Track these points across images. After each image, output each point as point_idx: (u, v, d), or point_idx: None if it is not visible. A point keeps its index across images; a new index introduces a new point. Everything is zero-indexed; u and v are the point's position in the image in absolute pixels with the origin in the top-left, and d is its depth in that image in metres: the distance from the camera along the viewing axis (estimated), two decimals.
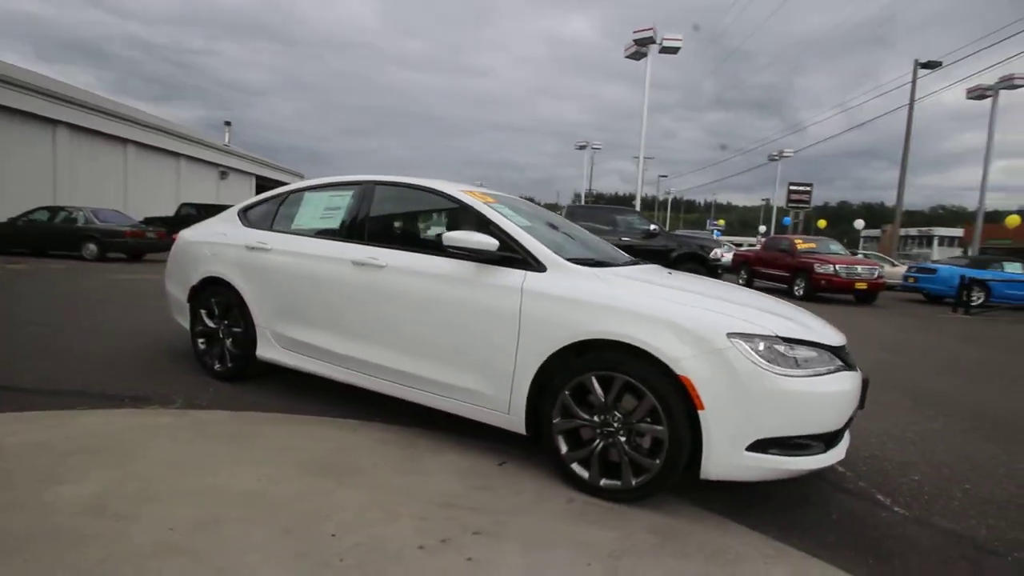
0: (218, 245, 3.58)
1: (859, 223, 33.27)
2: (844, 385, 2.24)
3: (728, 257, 14.00)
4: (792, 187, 46.14)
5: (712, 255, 10.93)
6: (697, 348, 2.15)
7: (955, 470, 2.95)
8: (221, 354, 3.58)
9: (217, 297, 3.56)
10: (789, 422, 2.13)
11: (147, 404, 3.07)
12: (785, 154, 29.45)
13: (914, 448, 3.26)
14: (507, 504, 2.24)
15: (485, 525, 2.05)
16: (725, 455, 2.13)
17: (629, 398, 2.29)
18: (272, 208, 3.61)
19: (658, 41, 15.45)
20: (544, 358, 2.40)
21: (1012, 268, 12.57)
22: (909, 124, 20.45)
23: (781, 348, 2.17)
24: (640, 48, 15.85)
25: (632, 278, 2.57)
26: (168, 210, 20.25)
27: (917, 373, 5.37)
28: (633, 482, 2.27)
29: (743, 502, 2.38)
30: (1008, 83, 16.62)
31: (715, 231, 38.08)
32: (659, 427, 2.20)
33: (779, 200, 46.68)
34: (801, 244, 13.44)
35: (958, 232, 51.50)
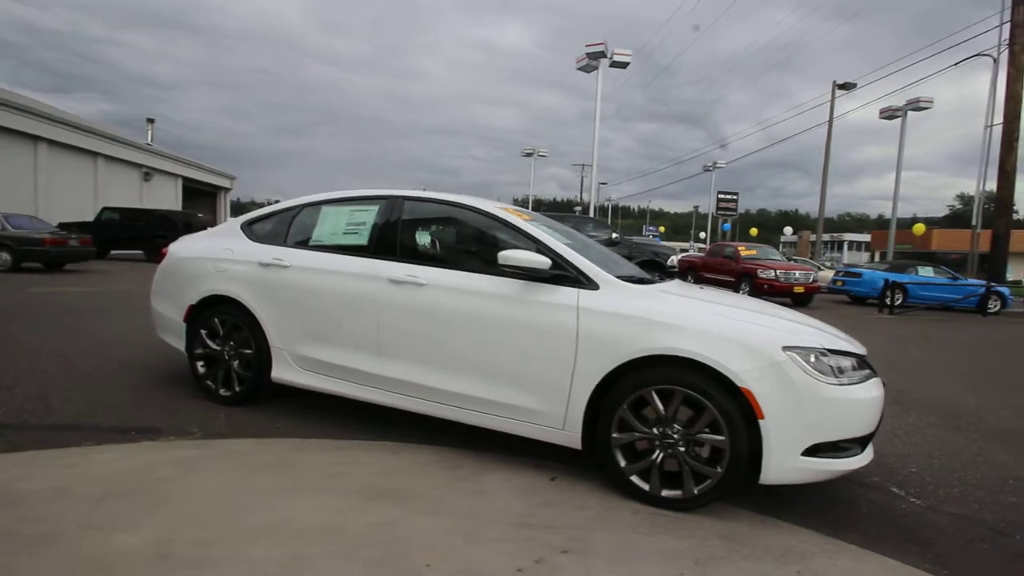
0: (223, 261, 3.37)
1: (788, 231, 35.86)
2: (875, 391, 2.45)
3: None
4: (720, 195, 49.10)
5: (669, 262, 11.43)
6: (757, 362, 2.29)
7: (942, 460, 3.29)
8: (227, 377, 3.37)
9: (222, 316, 3.36)
10: (836, 427, 2.32)
11: (160, 435, 2.84)
12: (718, 165, 31.29)
13: (901, 441, 3.59)
14: (577, 520, 2.28)
15: (567, 543, 2.08)
16: (783, 460, 2.27)
17: (685, 409, 2.40)
18: (283, 222, 3.45)
19: (609, 56, 16.04)
20: (604, 374, 2.47)
21: (925, 272, 14.06)
22: (829, 139, 22.37)
23: (827, 359, 2.35)
24: (591, 61, 16.37)
25: (679, 294, 2.69)
26: (87, 214, 18.52)
27: None
28: (695, 491, 2.37)
29: (786, 503, 2.55)
30: (915, 105, 18.65)
31: (655, 237, 39.74)
32: (720, 437, 2.32)
33: (707, 207, 49.51)
34: (744, 251, 14.33)
35: (865, 237, 56.58)
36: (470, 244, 3.14)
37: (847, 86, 22.80)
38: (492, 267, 2.86)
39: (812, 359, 2.32)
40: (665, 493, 2.41)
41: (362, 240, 3.13)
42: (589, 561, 1.97)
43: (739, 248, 14.51)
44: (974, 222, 19.31)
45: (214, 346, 3.40)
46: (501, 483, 2.57)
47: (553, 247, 2.72)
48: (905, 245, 37.37)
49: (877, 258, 45.50)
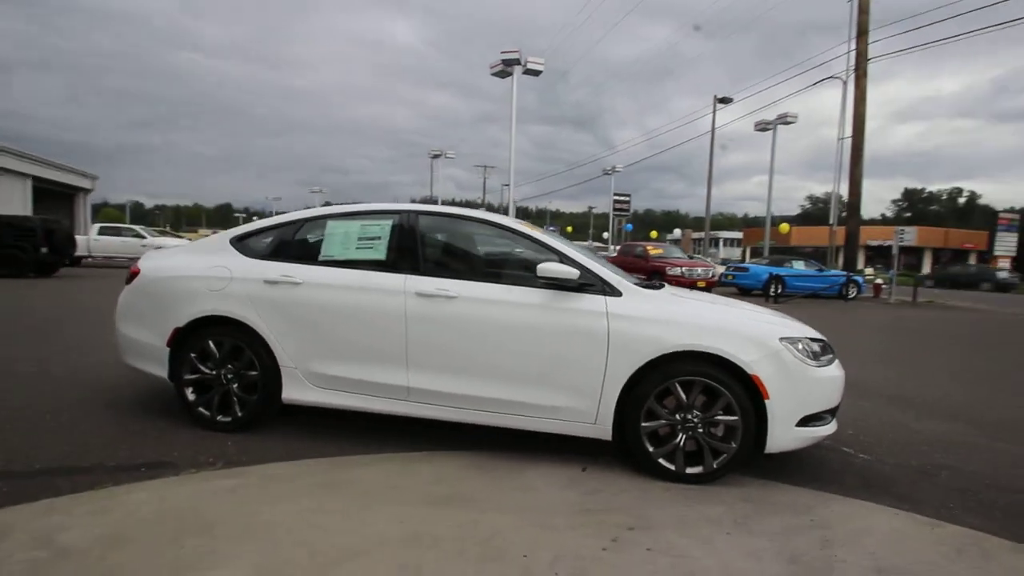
0: (218, 279, 3.21)
1: (677, 231, 39.12)
2: (839, 371, 3.02)
3: None
4: (615, 197, 52.49)
5: None
6: (761, 352, 2.74)
7: (870, 423, 4.03)
8: (225, 402, 3.21)
9: (218, 338, 3.19)
10: (818, 401, 2.83)
11: (178, 469, 2.68)
12: (617, 169, 33.49)
13: None
14: (625, 502, 2.57)
15: (630, 521, 2.36)
16: (783, 432, 2.74)
17: (700, 396, 2.79)
18: (283, 238, 3.35)
19: (523, 63, 16.62)
20: (634, 371, 2.78)
21: (798, 265, 16.31)
22: (712, 147, 24.99)
23: (808, 346, 2.86)
24: (506, 68, 16.85)
25: (685, 297, 3.08)
26: None
27: None
28: (714, 465, 2.77)
29: (779, 469, 3.03)
30: (783, 120, 21.52)
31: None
32: (734, 417, 2.74)
33: (600, 208, 52.57)
34: (652, 250, 15.63)
35: (738, 235, 63.36)
36: (492, 257, 3.30)
37: (725, 100, 25.65)
38: (517, 278, 3.07)
39: (799, 346, 2.82)
40: (689, 470, 2.79)
41: (379, 255, 3.16)
42: (657, 533, 2.27)
43: (648, 248, 15.79)
44: (831, 221, 22.73)
45: (207, 370, 3.21)
46: (543, 478, 2.78)
47: (577, 258, 2.98)
48: (770, 241, 42.55)
49: (748, 253, 51.38)
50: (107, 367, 4.52)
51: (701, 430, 2.79)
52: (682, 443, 2.80)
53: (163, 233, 24.32)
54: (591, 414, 2.86)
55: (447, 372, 2.97)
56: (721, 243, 69.58)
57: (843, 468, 3.15)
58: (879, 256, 34.08)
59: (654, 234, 43.55)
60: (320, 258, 3.24)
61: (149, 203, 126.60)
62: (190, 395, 3.24)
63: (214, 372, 3.21)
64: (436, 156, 38.18)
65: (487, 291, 2.98)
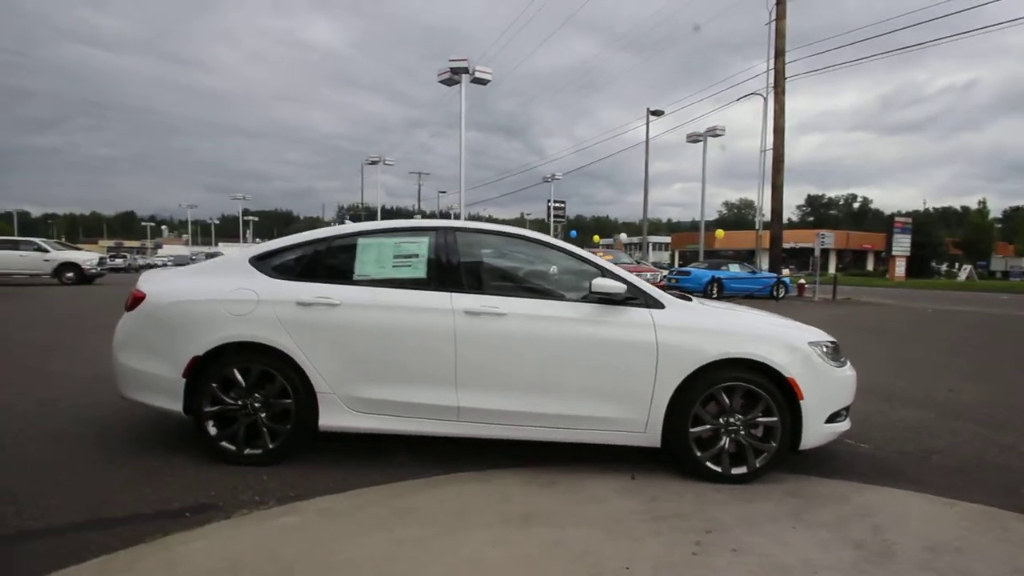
0: (243, 303, 3.01)
1: (623, 236, 40.56)
2: (853, 371, 3.30)
3: None
4: (551, 204, 53.79)
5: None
6: (793, 356, 2.96)
7: (852, 414, 4.42)
8: (253, 434, 3.01)
9: (244, 365, 2.99)
10: (839, 399, 3.10)
11: (229, 511, 2.48)
12: (556, 177, 34.31)
13: None
14: (687, 506, 2.68)
15: (704, 525, 2.47)
16: (815, 430, 2.98)
17: (740, 400, 2.96)
18: (309, 256, 3.19)
19: (471, 72, 16.67)
20: (681, 379, 2.91)
21: (734, 268, 17.48)
22: (647, 157, 26.19)
23: (828, 349, 3.12)
24: (454, 76, 16.82)
25: (718, 308, 3.25)
26: None
27: None
28: (757, 464, 2.95)
29: (801, 463, 3.26)
30: (712, 132, 23.06)
31: None
32: (773, 418, 2.93)
33: (531, 214, 53.61)
34: (603, 256, 16.13)
35: (666, 239, 66.70)
36: (534, 273, 3.31)
37: (658, 113, 27.03)
38: (557, 293, 3.12)
39: (823, 350, 3.07)
40: (734, 471, 2.95)
41: (419, 273, 3.10)
42: (732, 534, 2.39)
43: (599, 254, 16.28)
44: (757, 226, 24.56)
45: (231, 401, 3.00)
46: (602, 490, 2.84)
47: (619, 273, 3.08)
48: (694, 245, 45.18)
49: (677, 257, 54.15)
50: (76, 397, 4.07)
51: (743, 432, 2.96)
52: (726, 445, 2.96)
53: (65, 246, 21.98)
54: (641, 423, 2.95)
55: (498, 390, 2.96)
56: (650, 247, 72.92)
57: (852, 458, 3.44)
58: (791, 258, 37.23)
59: (596, 239, 44.85)
60: (355, 277, 3.12)
61: (37, 212, 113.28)
62: (212, 428, 3.01)
63: (239, 402, 3.00)
64: (374, 162, 37.24)
65: (535, 307, 3.01)
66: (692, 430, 2.94)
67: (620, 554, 2.20)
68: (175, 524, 2.33)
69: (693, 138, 23.59)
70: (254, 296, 3.02)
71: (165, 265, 38.14)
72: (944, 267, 38.41)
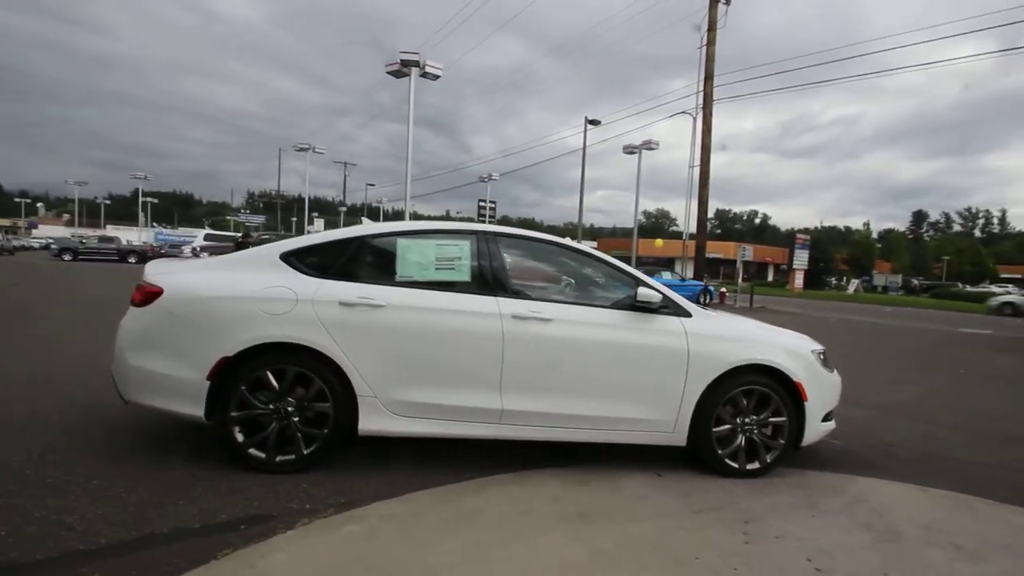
0: (280, 301, 2.86)
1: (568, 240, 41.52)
2: (839, 376, 3.72)
3: None
4: (481, 203, 53.95)
5: None
6: (800, 362, 3.31)
7: None
8: (286, 439, 2.88)
9: (278, 367, 2.85)
10: (831, 401, 3.50)
11: (293, 520, 2.37)
12: (494, 177, 34.46)
13: None
14: (718, 499, 2.92)
15: (742, 516, 2.72)
16: (814, 428, 3.35)
17: (753, 401, 3.26)
18: (345, 255, 3.09)
19: (422, 66, 16.35)
20: (708, 383, 3.15)
21: (666, 275, 18.58)
22: (583, 164, 27.09)
23: (823, 356, 3.51)
24: (403, 68, 16.41)
25: (732, 318, 3.54)
26: None
27: None
28: (768, 459, 3.26)
29: (795, 459, 3.63)
30: (647, 146, 24.32)
31: None
32: (782, 418, 3.26)
33: (456, 211, 53.48)
34: None
35: (592, 244, 69.34)
36: (570, 279, 3.41)
37: (595, 122, 28.04)
38: (592, 300, 3.27)
39: (821, 357, 3.45)
40: (749, 466, 3.24)
41: (463, 276, 3.10)
42: (768, 523, 2.66)
43: None
44: (684, 237, 26.23)
45: (261, 405, 2.84)
46: (639, 487, 3.02)
47: (653, 283, 3.27)
48: (618, 251, 47.46)
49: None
50: (34, 404, 3.62)
51: (755, 431, 3.26)
52: (742, 443, 3.25)
53: None
54: (671, 424, 3.16)
55: (541, 393, 3.04)
56: None
57: (831, 452, 3.88)
58: (704, 267, 40.07)
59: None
60: (397, 279, 3.06)
61: None
62: (238, 435, 2.83)
63: (270, 406, 2.85)
64: (302, 149, 35.27)
65: (578, 313, 3.12)
66: (715, 429, 3.20)
67: (685, 545, 2.38)
68: (236, 538, 2.20)
69: (629, 150, 24.77)
70: (292, 295, 2.88)
71: (50, 247, 33.35)
72: (833, 280, 43.39)
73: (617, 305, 3.22)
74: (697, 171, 21.66)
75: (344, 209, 56.53)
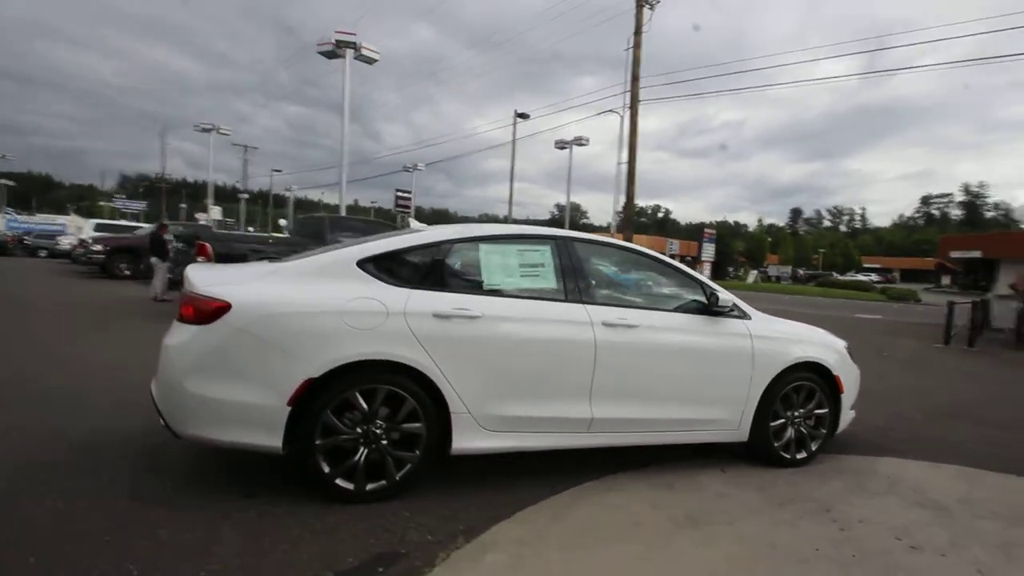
0: (369, 314, 2.61)
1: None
2: (858, 368, 4.08)
3: None
4: (398, 193, 52.42)
5: None
6: (836, 356, 3.62)
7: None
8: (378, 466, 2.65)
9: (367, 387, 2.61)
10: (856, 391, 3.85)
11: (431, 558, 2.20)
12: (419, 167, 33.53)
13: None
14: (787, 490, 3.13)
15: (818, 506, 2.94)
16: (846, 417, 3.68)
17: (803, 395, 3.51)
18: (427, 262, 2.88)
19: (358, 48, 15.40)
20: (768, 381, 3.36)
21: None
22: (513, 156, 27.27)
23: (848, 350, 3.86)
24: (338, 49, 15.36)
25: (779, 319, 3.75)
26: None
27: None
28: (813, 448, 3.54)
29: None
30: (578, 141, 24.99)
31: None
32: (824, 410, 3.56)
33: (382, 203, 51.58)
34: None
35: None
36: (644, 284, 3.43)
37: (523, 116, 28.27)
38: (664, 304, 3.34)
39: (848, 350, 3.79)
40: (798, 456, 3.50)
41: (549, 283, 3.03)
42: (844, 509, 2.90)
43: None
44: (612, 230, 27.31)
45: (347, 430, 2.59)
46: (716, 485, 3.16)
47: (716, 288, 3.39)
48: None
49: None
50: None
51: (802, 423, 3.52)
52: (792, 435, 3.49)
53: None
54: (736, 422, 3.33)
55: (627, 399, 3.06)
56: None
57: (843, 436, 4.25)
58: None
59: None
60: (486, 287, 2.91)
61: None
62: (324, 465, 2.55)
63: (356, 431, 2.60)
64: (206, 130, 31.90)
65: (659, 319, 3.18)
66: (771, 424, 3.41)
67: (795, 540, 2.53)
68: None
69: (560, 145, 25.31)
70: (381, 307, 2.64)
71: None
72: (731, 270, 47.59)
73: (683, 309, 3.32)
74: (625, 168, 22.68)
75: (246, 196, 52.23)
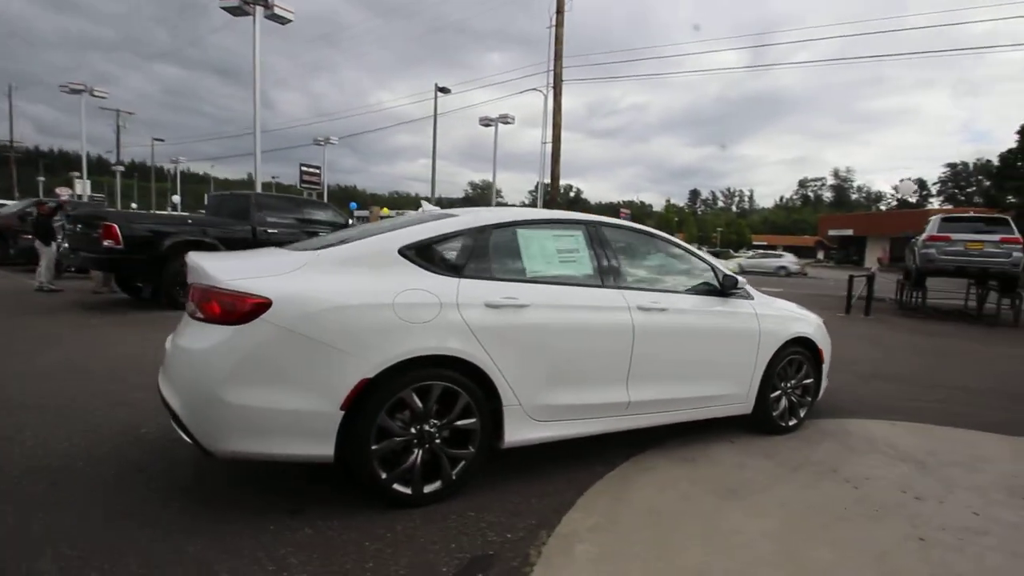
0: (422, 307, 2.44)
1: (378, 209, 39.33)
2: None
3: None
4: (304, 168, 49.00)
5: None
6: (819, 331, 3.98)
7: None
8: (432, 468, 2.52)
9: (421, 385, 2.45)
10: (829, 362, 4.26)
11: (526, 559, 2.13)
12: (331, 141, 31.44)
13: None
14: (793, 455, 3.42)
15: (824, 468, 3.25)
16: (825, 383, 4.07)
17: (795, 368, 3.83)
18: (471, 248, 2.74)
19: (270, 5, 13.89)
20: (771, 356, 3.61)
21: None
22: (435, 132, 26.52)
23: (823, 325, 4.25)
24: (245, 5, 13.76)
25: (773, 298, 4.01)
26: None
27: None
28: (802, 415, 3.89)
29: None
30: (503, 119, 24.74)
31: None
32: (810, 380, 3.91)
33: (285, 178, 48.16)
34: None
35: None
36: (667, 268, 3.49)
37: (445, 90, 27.47)
38: (681, 287, 3.46)
39: (823, 323, 4.18)
40: (790, 423, 3.82)
41: (586, 269, 3.01)
42: (846, 469, 3.22)
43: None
44: (539, 207, 27.62)
45: (403, 430, 2.43)
46: (731, 455, 3.37)
47: (727, 270, 3.56)
48: None
49: None
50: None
51: (792, 393, 3.84)
52: (786, 405, 3.80)
53: None
54: (743, 396, 3.56)
55: (659, 381, 3.15)
56: None
57: (824, 402, 4.65)
58: None
59: (385, 211, 42.58)
60: (528, 274, 2.81)
61: None
62: (381, 471, 2.37)
63: (410, 432, 2.44)
64: (77, 91, 27.47)
65: (685, 302, 3.30)
66: (771, 395, 3.68)
67: (825, 502, 2.79)
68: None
69: (485, 122, 24.97)
70: (434, 299, 2.46)
71: None
72: None
73: (696, 290, 3.45)
74: (549, 147, 22.93)
75: (121, 169, 46.16)
